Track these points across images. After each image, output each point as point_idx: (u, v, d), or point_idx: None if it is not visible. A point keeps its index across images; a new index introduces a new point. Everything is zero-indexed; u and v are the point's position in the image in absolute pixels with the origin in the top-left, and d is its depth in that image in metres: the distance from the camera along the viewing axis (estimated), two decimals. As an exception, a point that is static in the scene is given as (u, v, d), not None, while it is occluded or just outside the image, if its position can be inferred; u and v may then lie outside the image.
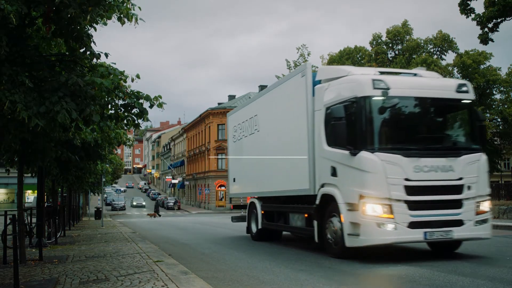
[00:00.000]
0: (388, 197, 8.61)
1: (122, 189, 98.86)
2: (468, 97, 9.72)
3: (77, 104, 6.69)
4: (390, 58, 47.37)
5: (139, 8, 7.55)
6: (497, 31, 20.10)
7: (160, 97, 8.05)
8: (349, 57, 47.86)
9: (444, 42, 47.02)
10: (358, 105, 9.06)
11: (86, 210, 46.58)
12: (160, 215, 45.14)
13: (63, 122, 6.41)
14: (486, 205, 9.25)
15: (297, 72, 11.57)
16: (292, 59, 40.25)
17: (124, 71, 7.81)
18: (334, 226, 9.51)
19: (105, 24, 7.59)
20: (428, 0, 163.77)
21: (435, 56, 46.43)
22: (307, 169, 10.55)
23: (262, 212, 13.93)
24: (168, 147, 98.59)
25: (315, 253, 10.52)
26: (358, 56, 48.87)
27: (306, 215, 11.06)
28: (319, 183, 10.25)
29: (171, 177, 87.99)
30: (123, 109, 8.01)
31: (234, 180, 16.50)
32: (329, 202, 9.78)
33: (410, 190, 8.70)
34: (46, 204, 18.66)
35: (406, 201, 8.67)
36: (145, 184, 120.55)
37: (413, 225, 8.64)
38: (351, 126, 9.12)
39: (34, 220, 13.98)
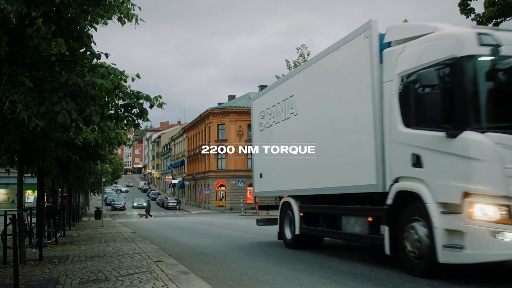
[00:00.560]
0: (506, 195, 6.41)
1: (124, 189, 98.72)
2: None
3: (77, 104, 6.70)
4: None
5: (139, 8, 7.58)
6: (497, 31, 20.06)
7: (160, 97, 8.07)
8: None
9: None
10: (457, 68, 6.80)
11: (86, 210, 46.57)
12: (151, 215, 44.49)
13: (63, 122, 6.42)
14: None
15: (357, 34, 9.06)
16: (292, 59, 40.07)
17: (124, 71, 7.84)
18: (418, 234, 7.36)
19: (106, 24, 7.62)
20: (428, 0, 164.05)
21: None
22: (373, 158, 8.41)
23: (301, 214, 11.53)
24: (168, 147, 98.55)
25: (315, 253, 10.51)
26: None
27: (370, 219, 8.73)
28: (392, 177, 8.06)
29: (171, 177, 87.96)
30: (123, 109, 8.04)
31: (261, 176, 14.03)
32: (408, 201, 7.66)
33: None
34: (46, 204, 18.67)
35: None
36: (145, 184, 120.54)
37: None
38: (446, 99, 6.90)
39: (34, 220, 14.00)
